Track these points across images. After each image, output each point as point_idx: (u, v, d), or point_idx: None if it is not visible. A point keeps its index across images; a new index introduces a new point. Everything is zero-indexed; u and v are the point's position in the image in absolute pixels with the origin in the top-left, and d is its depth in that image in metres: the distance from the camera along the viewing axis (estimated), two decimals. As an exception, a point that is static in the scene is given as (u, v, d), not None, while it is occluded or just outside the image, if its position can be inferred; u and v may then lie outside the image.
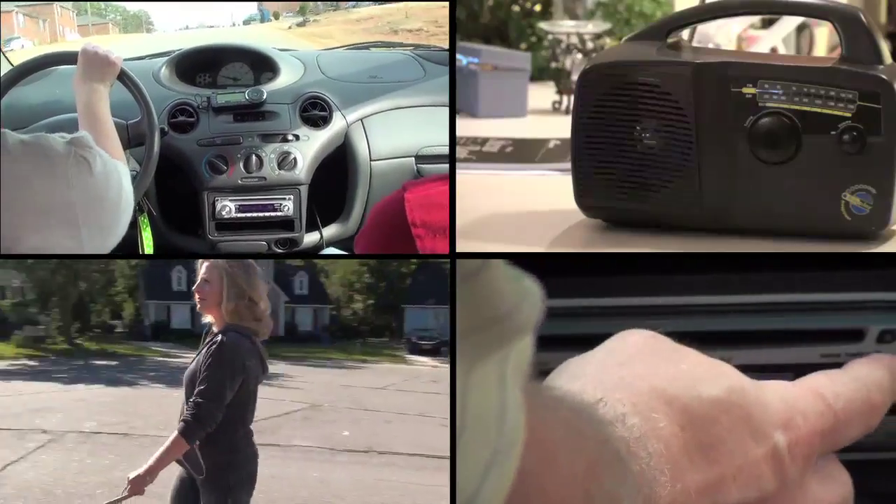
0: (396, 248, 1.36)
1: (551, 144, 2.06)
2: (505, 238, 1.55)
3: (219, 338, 1.82)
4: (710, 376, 0.87)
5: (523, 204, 1.73)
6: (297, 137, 2.49)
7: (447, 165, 2.17)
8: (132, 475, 1.75)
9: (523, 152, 2.04)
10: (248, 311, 1.85)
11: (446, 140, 2.56)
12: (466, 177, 1.88)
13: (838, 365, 1.21)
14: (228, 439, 1.83)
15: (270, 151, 2.46)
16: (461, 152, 2.04)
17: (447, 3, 2.65)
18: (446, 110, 2.63)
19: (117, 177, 1.77)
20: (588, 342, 1.24)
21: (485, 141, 2.10)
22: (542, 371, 1.24)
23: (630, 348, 0.90)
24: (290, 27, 5.13)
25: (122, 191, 1.78)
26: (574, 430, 0.75)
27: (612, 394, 0.84)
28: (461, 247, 1.47)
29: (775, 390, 0.90)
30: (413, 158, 2.58)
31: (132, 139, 2.24)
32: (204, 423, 1.77)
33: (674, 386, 0.85)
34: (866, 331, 1.25)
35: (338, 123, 2.55)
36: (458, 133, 2.10)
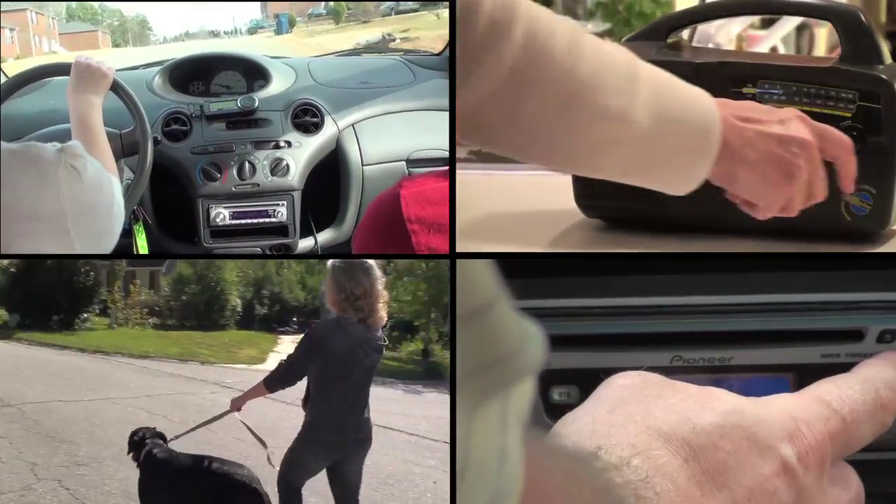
0: (392, 243, 1.40)
1: (551, 145, 2.08)
2: (505, 238, 1.59)
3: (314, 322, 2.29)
4: (703, 405, 0.90)
5: (523, 204, 1.76)
6: (289, 144, 2.55)
7: (438, 169, 2.21)
8: (233, 398, 2.40)
9: (523, 152, 2.06)
10: (348, 304, 2.22)
11: (437, 144, 2.62)
12: (466, 177, 1.90)
13: (839, 365, 1.25)
14: (322, 407, 2.26)
15: (263, 158, 2.52)
16: (461, 152, 2.06)
17: (447, 3, 2.70)
18: (436, 115, 2.69)
19: (109, 186, 1.80)
20: (588, 342, 1.29)
21: (485, 141, 2.12)
22: (545, 370, 1.29)
23: (618, 392, 0.92)
24: (357, 48, 3.79)
25: (113, 201, 1.81)
26: (572, 477, 0.77)
27: (608, 441, 0.86)
28: (461, 247, 1.49)
29: (776, 403, 0.93)
30: (404, 162, 2.64)
31: (125, 148, 2.30)
32: (278, 379, 2.29)
33: (668, 422, 0.88)
34: (866, 331, 1.27)
35: (329, 129, 2.61)
36: (459, 133, 2.13)
